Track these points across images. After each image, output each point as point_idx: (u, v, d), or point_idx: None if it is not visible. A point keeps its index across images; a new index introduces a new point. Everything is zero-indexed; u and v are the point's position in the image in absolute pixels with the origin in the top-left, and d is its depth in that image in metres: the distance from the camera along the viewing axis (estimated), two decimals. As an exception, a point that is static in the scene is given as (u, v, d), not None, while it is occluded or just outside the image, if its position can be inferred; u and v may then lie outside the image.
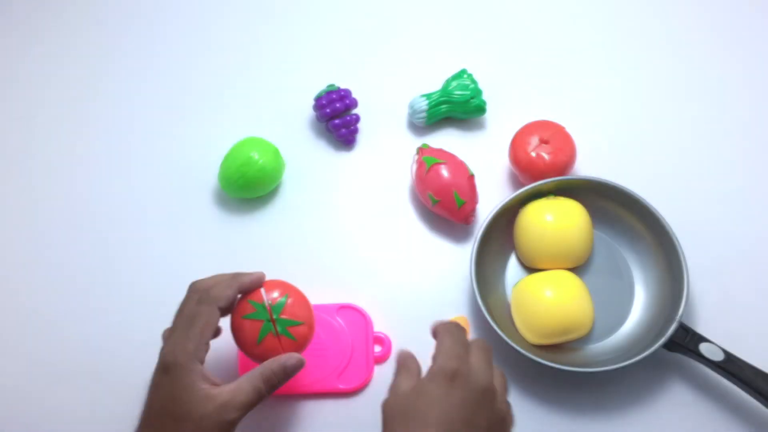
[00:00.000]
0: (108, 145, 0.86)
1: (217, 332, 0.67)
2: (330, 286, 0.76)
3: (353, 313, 0.74)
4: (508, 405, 0.58)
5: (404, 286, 0.76)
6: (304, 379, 0.71)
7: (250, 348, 0.63)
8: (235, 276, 0.63)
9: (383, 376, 0.72)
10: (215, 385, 0.58)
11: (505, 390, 0.58)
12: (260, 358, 0.62)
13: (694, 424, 0.69)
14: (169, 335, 0.61)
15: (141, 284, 0.78)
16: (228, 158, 0.79)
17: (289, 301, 0.63)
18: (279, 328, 0.62)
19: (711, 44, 0.90)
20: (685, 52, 0.89)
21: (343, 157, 0.84)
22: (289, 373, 0.60)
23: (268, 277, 0.77)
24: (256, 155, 0.77)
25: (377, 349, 0.73)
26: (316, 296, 0.75)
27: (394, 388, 0.56)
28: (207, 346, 0.60)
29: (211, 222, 0.81)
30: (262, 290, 0.63)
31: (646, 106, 0.86)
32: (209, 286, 0.61)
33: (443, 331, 0.58)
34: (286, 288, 0.64)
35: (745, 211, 0.79)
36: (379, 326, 0.74)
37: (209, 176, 0.82)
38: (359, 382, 0.71)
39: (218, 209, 0.81)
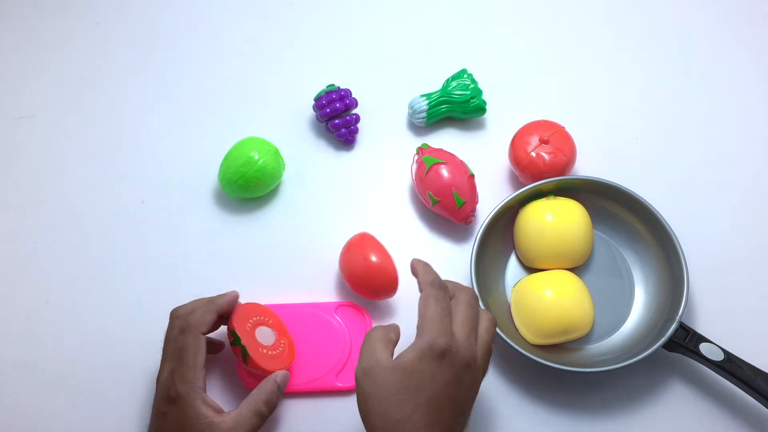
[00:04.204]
0: (108, 145, 0.86)
1: (217, 349, 0.71)
2: (329, 284, 0.76)
3: (352, 311, 0.74)
4: (485, 361, 0.59)
5: (404, 286, 0.76)
6: (303, 378, 0.71)
7: (242, 367, 0.69)
8: (212, 300, 0.66)
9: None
10: (218, 412, 0.61)
11: (489, 348, 0.59)
12: (254, 374, 0.67)
13: (694, 424, 0.69)
14: (162, 365, 0.63)
15: (141, 284, 0.78)
16: (228, 158, 0.79)
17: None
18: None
19: (712, 44, 0.90)
20: (685, 51, 0.90)
21: (343, 157, 0.84)
22: (282, 388, 0.65)
23: (268, 277, 0.78)
24: (256, 155, 0.77)
25: (377, 348, 0.73)
26: (315, 295, 0.76)
27: (372, 356, 0.55)
28: (203, 371, 0.63)
29: (211, 222, 0.81)
30: (247, 319, 0.68)
31: (646, 105, 0.86)
32: (188, 313, 0.64)
33: (427, 297, 0.57)
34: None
35: (745, 211, 0.79)
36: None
37: (209, 176, 0.82)
38: (359, 382, 0.71)
39: (218, 209, 0.81)
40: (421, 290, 0.59)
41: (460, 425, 0.56)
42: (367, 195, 0.82)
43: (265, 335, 0.68)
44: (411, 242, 0.79)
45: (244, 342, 0.65)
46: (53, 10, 0.95)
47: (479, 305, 0.61)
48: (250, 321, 0.67)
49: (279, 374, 0.65)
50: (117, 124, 0.87)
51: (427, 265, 0.61)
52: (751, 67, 0.88)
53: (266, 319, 0.69)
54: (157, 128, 0.87)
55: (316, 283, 0.76)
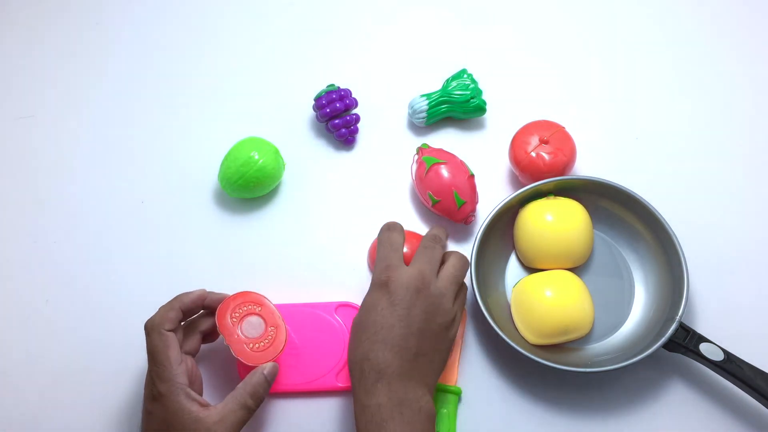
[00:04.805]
0: (108, 145, 0.86)
1: (213, 337, 0.70)
2: (329, 284, 0.76)
3: (352, 311, 0.74)
4: (451, 293, 0.65)
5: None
6: (303, 378, 0.71)
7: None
8: (176, 298, 0.66)
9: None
10: (204, 406, 0.61)
11: (454, 279, 0.66)
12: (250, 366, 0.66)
13: (694, 424, 0.69)
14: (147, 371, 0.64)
15: (140, 284, 0.78)
16: (228, 158, 0.79)
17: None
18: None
19: (712, 44, 0.90)
20: (685, 51, 0.89)
21: (343, 157, 0.84)
22: (269, 381, 0.64)
23: (268, 277, 0.78)
24: (256, 155, 0.77)
25: (377, 348, 0.73)
26: (315, 295, 0.75)
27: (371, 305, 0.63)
28: (183, 366, 0.62)
29: (211, 222, 0.81)
30: (228, 314, 0.67)
31: (646, 105, 0.86)
32: (154, 316, 0.65)
33: (420, 247, 0.67)
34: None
35: (745, 211, 0.79)
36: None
37: (209, 176, 0.82)
38: (359, 382, 0.71)
39: (218, 209, 0.81)
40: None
41: (428, 362, 0.61)
42: (367, 195, 0.82)
43: (252, 326, 0.67)
44: (411, 242, 0.79)
45: (227, 341, 0.66)
46: (54, 11, 0.95)
47: (465, 258, 0.68)
48: (236, 313, 0.67)
49: (267, 366, 0.65)
50: (117, 124, 0.87)
51: (437, 227, 0.71)
52: (752, 67, 0.88)
53: (254, 307, 0.68)
54: (157, 128, 0.87)
55: (316, 283, 0.76)
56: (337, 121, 0.82)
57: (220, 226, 0.80)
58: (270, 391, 0.65)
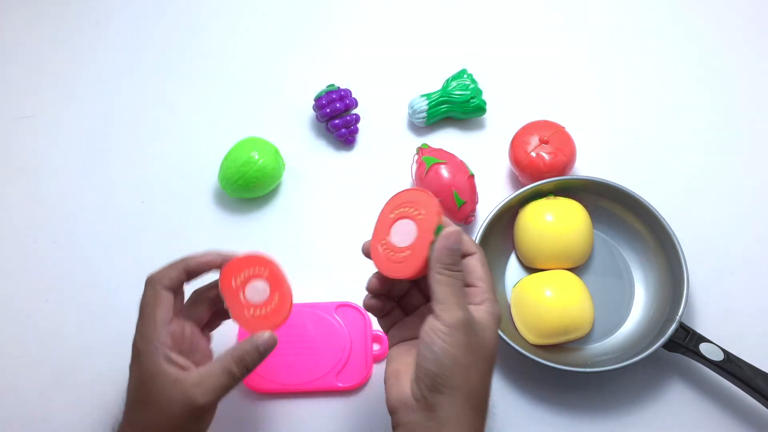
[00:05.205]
0: (108, 145, 0.86)
1: (215, 323, 0.65)
2: (329, 284, 0.76)
3: (352, 311, 0.74)
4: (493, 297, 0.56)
5: (404, 286, 0.76)
6: (303, 378, 0.71)
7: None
8: (183, 258, 0.61)
9: (382, 374, 0.72)
10: (183, 369, 0.56)
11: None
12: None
13: (694, 424, 0.69)
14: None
15: (141, 284, 0.77)
16: (228, 158, 0.79)
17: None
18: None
19: (712, 44, 0.90)
20: (685, 52, 0.90)
21: (343, 157, 0.84)
22: (261, 351, 0.58)
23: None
24: (256, 155, 0.77)
25: (376, 347, 0.73)
26: (315, 295, 0.75)
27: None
28: (168, 327, 0.57)
29: (211, 222, 0.81)
30: (233, 275, 0.61)
31: (646, 106, 0.86)
32: (154, 271, 0.60)
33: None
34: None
35: (745, 211, 0.79)
36: (377, 325, 0.74)
37: (209, 176, 0.82)
38: (358, 381, 0.71)
39: (218, 209, 0.81)
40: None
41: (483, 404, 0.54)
42: (367, 195, 0.81)
43: (256, 291, 0.61)
44: (411, 242, 0.79)
45: (227, 303, 0.60)
46: (53, 10, 0.95)
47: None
48: (240, 276, 0.61)
49: (263, 335, 0.58)
50: (117, 124, 0.87)
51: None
52: (752, 67, 0.88)
53: (261, 270, 0.62)
54: (157, 128, 0.87)
55: (316, 283, 0.76)
56: (337, 121, 0.82)
57: (220, 226, 0.80)
58: (270, 391, 0.65)
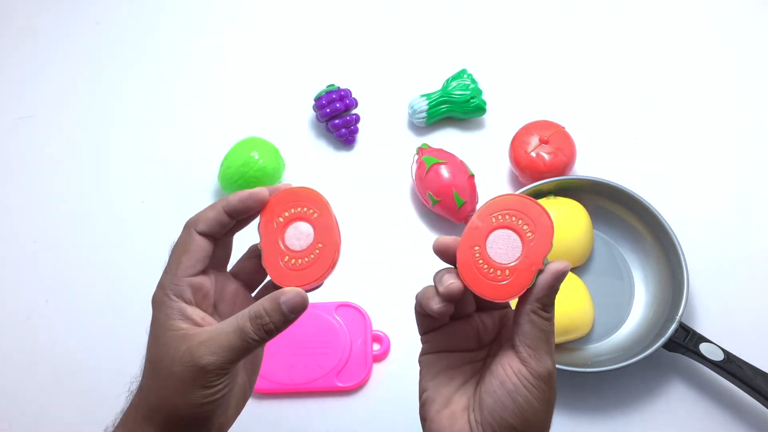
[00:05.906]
0: (108, 145, 0.86)
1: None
2: (329, 284, 0.76)
3: (352, 311, 0.74)
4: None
5: (403, 285, 0.76)
6: (303, 378, 0.70)
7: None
8: (224, 197, 0.51)
9: (382, 374, 0.72)
10: (198, 325, 0.48)
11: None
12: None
13: (693, 424, 0.69)
14: None
15: (141, 284, 0.77)
16: (228, 158, 0.79)
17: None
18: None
19: (712, 44, 0.90)
20: (685, 52, 0.90)
21: (343, 157, 0.84)
22: (285, 312, 0.47)
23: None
24: (256, 155, 0.77)
25: (376, 347, 0.73)
26: (315, 294, 0.75)
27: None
28: (190, 279, 0.49)
29: (211, 222, 0.81)
30: (276, 212, 0.52)
31: (646, 106, 0.86)
32: (195, 215, 0.51)
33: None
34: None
35: (745, 211, 0.79)
36: (377, 325, 0.74)
37: (209, 176, 0.82)
38: (358, 381, 0.71)
39: (218, 209, 0.81)
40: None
41: None
42: (367, 195, 0.82)
43: (297, 235, 0.51)
44: (411, 242, 0.79)
45: (260, 244, 0.51)
46: (53, 10, 0.95)
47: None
48: (284, 214, 0.51)
49: (289, 292, 0.48)
50: (117, 125, 0.87)
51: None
52: (753, 67, 0.88)
53: (310, 212, 0.51)
54: (157, 128, 0.87)
55: (316, 283, 0.76)
56: (337, 121, 0.82)
57: (220, 226, 0.80)
58: (270, 391, 0.64)
